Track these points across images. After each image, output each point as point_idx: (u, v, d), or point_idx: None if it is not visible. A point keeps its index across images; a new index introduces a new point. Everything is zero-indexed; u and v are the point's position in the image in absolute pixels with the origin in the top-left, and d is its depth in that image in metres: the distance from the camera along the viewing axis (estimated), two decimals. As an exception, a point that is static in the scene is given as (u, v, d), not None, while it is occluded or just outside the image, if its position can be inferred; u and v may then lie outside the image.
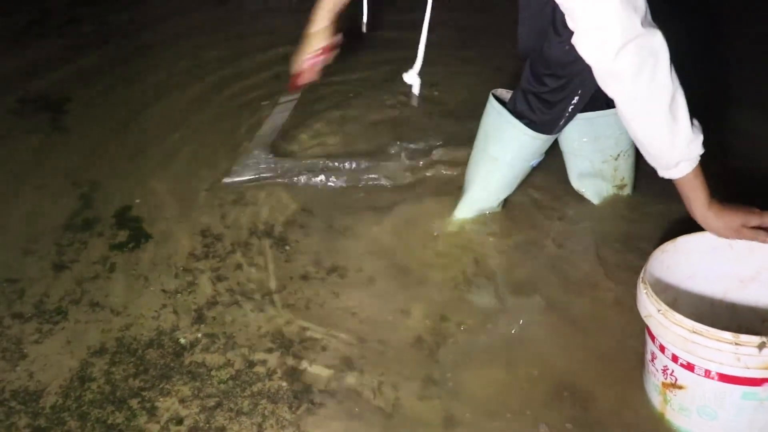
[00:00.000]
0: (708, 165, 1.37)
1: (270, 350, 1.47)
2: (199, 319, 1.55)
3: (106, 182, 2.00)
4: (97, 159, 2.11)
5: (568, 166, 1.87)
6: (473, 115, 1.79)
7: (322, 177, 1.97)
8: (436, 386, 1.39)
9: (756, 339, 1.13)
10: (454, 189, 1.88)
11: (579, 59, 1.47)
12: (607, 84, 1.37)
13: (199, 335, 1.51)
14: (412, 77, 1.65)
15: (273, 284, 1.64)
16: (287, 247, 1.75)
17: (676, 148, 1.35)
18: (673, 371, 1.24)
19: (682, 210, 1.74)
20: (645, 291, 1.24)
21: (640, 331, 1.33)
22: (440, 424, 1.32)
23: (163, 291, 1.62)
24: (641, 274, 1.29)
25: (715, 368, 1.17)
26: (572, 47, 1.42)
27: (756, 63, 2.50)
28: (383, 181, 1.98)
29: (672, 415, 1.29)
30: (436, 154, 2.08)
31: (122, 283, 1.65)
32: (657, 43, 1.30)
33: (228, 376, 1.41)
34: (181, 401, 1.36)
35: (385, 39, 2.57)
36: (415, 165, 2.04)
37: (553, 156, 1.84)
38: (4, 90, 2.46)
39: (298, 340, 1.49)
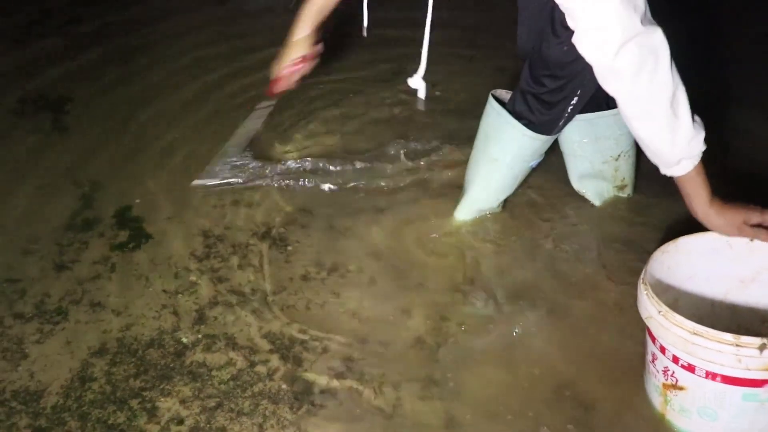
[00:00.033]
0: (708, 165, 1.37)
1: (271, 351, 1.47)
2: (200, 319, 1.55)
3: (106, 182, 2.00)
4: (97, 159, 2.11)
5: (568, 167, 1.87)
6: (474, 114, 1.79)
7: (302, 181, 1.96)
8: (437, 387, 1.39)
9: (757, 340, 1.13)
10: (455, 189, 1.88)
11: (577, 60, 1.48)
12: (607, 82, 1.37)
13: (200, 336, 1.51)
14: (417, 81, 1.66)
15: (274, 285, 1.64)
16: (289, 247, 1.75)
17: (677, 145, 1.35)
18: (673, 372, 1.24)
19: (683, 211, 1.74)
20: (645, 292, 1.24)
21: (641, 332, 1.33)
22: (441, 424, 1.32)
23: (164, 291, 1.62)
24: (642, 275, 1.29)
25: (715, 369, 1.17)
26: (570, 48, 1.42)
27: (756, 63, 2.50)
28: (371, 183, 1.97)
29: (672, 416, 1.29)
30: (436, 153, 2.08)
31: (123, 283, 1.65)
32: (657, 40, 1.30)
33: (229, 376, 1.41)
34: (182, 402, 1.36)
35: (385, 37, 2.57)
36: (415, 165, 2.04)
37: (554, 157, 1.84)
38: (4, 90, 2.47)
39: (298, 341, 1.49)
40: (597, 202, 1.86)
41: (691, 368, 1.20)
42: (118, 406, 1.36)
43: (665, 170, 1.41)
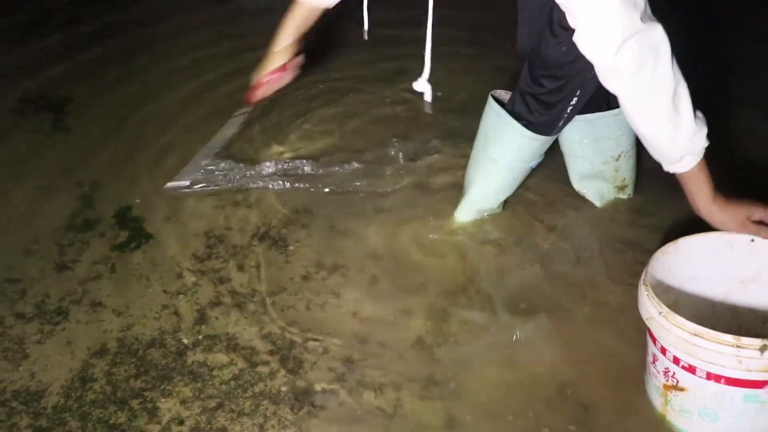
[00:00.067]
0: (709, 163, 1.37)
1: (271, 352, 1.47)
2: (201, 319, 1.55)
3: (106, 182, 2.00)
4: (97, 159, 2.11)
5: (569, 168, 1.87)
6: (474, 114, 1.79)
7: (302, 182, 1.96)
8: (438, 387, 1.39)
9: (758, 342, 1.13)
10: (454, 190, 1.88)
11: (576, 60, 1.48)
12: (608, 80, 1.38)
13: (201, 336, 1.51)
14: (422, 85, 1.66)
15: (274, 285, 1.64)
16: (290, 247, 1.75)
17: (679, 141, 1.35)
18: (674, 373, 1.24)
19: (684, 211, 1.74)
20: (646, 293, 1.24)
21: (642, 333, 1.33)
22: (442, 425, 1.32)
23: (165, 292, 1.62)
24: (642, 276, 1.29)
25: (716, 371, 1.18)
26: (569, 48, 1.43)
27: (756, 63, 2.50)
28: (371, 184, 1.97)
29: (673, 417, 1.29)
30: (436, 153, 2.08)
31: (124, 283, 1.65)
32: (657, 36, 1.30)
33: (230, 376, 1.41)
34: (183, 402, 1.36)
35: (384, 36, 2.57)
36: (415, 165, 2.04)
37: (555, 157, 1.84)
38: (4, 89, 2.47)
39: (299, 341, 1.49)
40: (597, 203, 1.86)
41: (691, 369, 1.20)
42: (118, 406, 1.36)
43: (668, 167, 1.41)
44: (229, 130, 2.02)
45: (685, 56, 1.37)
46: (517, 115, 1.65)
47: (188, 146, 2.13)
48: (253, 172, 1.99)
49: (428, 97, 1.66)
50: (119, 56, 2.72)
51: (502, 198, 1.81)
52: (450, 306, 1.58)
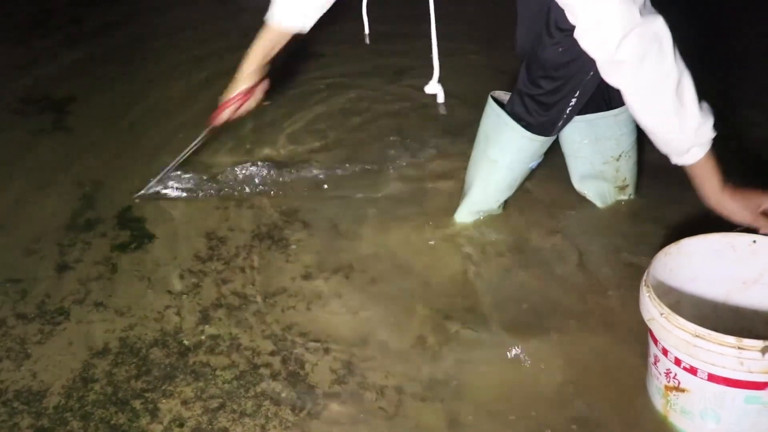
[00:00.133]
0: (715, 155, 1.37)
1: (273, 353, 1.47)
2: (204, 320, 1.55)
3: (107, 182, 2.00)
4: (99, 158, 2.11)
5: (569, 168, 1.87)
6: (474, 114, 1.80)
7: (303, 182, 1.96)
8: (439, 388, 1.39)
9: (759, 343, 1.13)
10: (455, 190, 1.88)
11: (573, 61, 1.48)
12: (611, 74, 1.37)
13: (203, 337, 1.51)
14: (433, 87, 1.66)
15: (276, 286, 1.64)
16: (292, 246, 1.76)
17: (685, 133, 1.35)
18: (675, 374, 1.24)
19: (685, 212, 1.75)
20: (647, 294, 1.24)
21: (643, 334, 1.33)
22: (444, 425, 1.32)
23: (168, 292, 1.62)
24: (644, 277, 1.29)
25: (717, 372, 1.18)
26: (566, 49, 1.43)
27: (756, 63, 2.51)
28: (371, 184, 1.97)
29: (675, 418, 1.29)
30: (437, 153, 2.08)
31: (126, 283, 1.65)
32: (658, 28, 1.30)
33: (232, 377, 1.41)
34: (184, 402, 1.36)
35: (384, 32, 2.57)
36: (415, 165, 2.04)
37: (555, 158, 1.84)
38: (6, 90, 2.47)
39: (301, 342, 1.49)
40: (598, 203, 1.86)
41: (693, 370, 1.20)
42: (120, 407, 1.36)
43: (676, 159, 1.40)
44: (187, 150, 1.97)
45: (685, 56, 1.37)
46: (516, 116, 1.65)
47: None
48: (250, 173, 1.99)
49: (441, 98, 1.66)
50: (120, 56, 2.72)
51: (502, 199, 1.81)
52: (450, 306, 1.58)
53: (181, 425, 1.32)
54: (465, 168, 1.83)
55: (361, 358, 1.46)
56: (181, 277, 1.66)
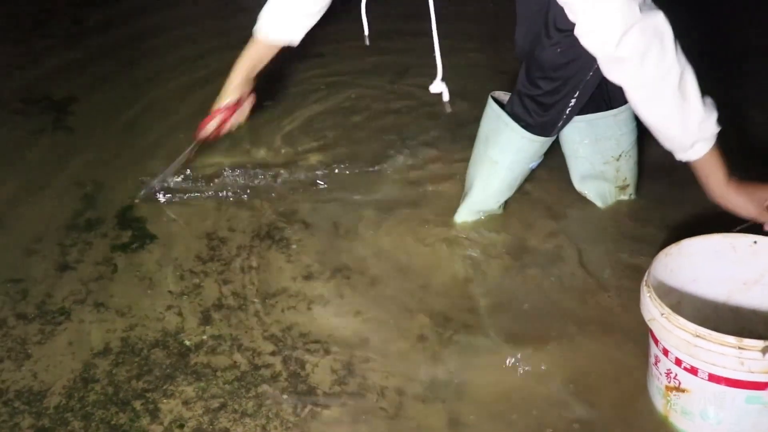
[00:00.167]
0: (720, 149, 1.37)
1: (274, 353, 1.47)
2: (205, 320, 1.55)
3: (108, 182, 2.00)
4: (99, 159, 2.11)
5: (570, 169, 1.87)
6: (475, 115, 1.80)
7: (303, 183, 1.96)
8: (440, 388, 1.39)
9: (760, 343, 1.13)
10: (455, 190, 1.88)
11: (572, 62, 1.49)
12: (612, 71, 1.37)
13: (205, 337, 1.51)
14: (438, 86, 1.65)
15: (277, 286, 1.64)
16: (293, 246, 1.76)
17: (689, 128, 1.35)
18: (676, 375, 1.24)
19: (686, 213, 1.75)
20: (648, 294, 1.25)
21: (644, 334, 1.33)
22: (445, 425, 1.32)
23: (169, 293, 1.62)
24: (645, 278, 1.29)
25: (718, 372, 1.18)
26: (564, 50, 1.43)
27: (756, 62, 2.51)
28: (372, 184, 1.96)
29: (675, 418, 1.29)
30: (437, 154, 2.08)
31: (127, 284, 1.65)
32: (659, 23, 1.30)
33: (233, 377, 1.41)
34: (185, 403, 1.36)
35: (385, 32, 2.57)
36: (415, 165, 2.04)
37: (555, 158, 1.84)
38: (7, 89, 2.47)
39: (302, 342, 1.49)
40: (599, 203, 1.86)
41: (693, 371, 1.21)
42: (120, 407, 1.36)
43: (680, 155, 1.40)
44: (176, 162, 1.97)
45: (690, 56, 1.37)
46: (516, 116, 1.65)
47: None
48: (250, 173, 1.99)
49: (446, 96, 1.66)
50: (121, 55, 2.72)
51: (503, 199, 1.81)
52: (451, 307, 1.58)
53: (182, 425, 1.32)
54: (465, 168, 1.83)
55: (361, 358, 1.46)
56: (182, 277, 1.66)
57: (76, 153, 2.13)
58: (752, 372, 1.15)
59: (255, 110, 1.83)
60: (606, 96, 1.71)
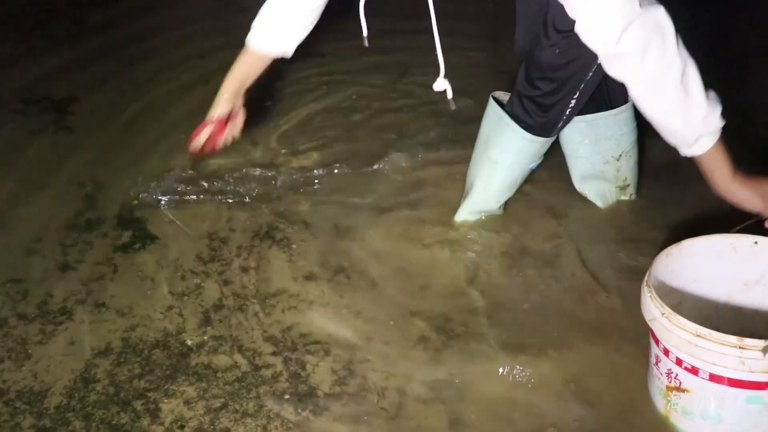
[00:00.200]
0: (725, 143, 1.37)
1: (275, 353, 1.47)
2: (206, 321, 1.55)
3: (109, 182, 2.00)
4: (100, 159, 2.11)
5: (570, 169, 1.87)
6: (475, 115, 1.80)
7: (303, 183, 1.96)
8: (441, 388, 1.39)
9: (760, 343, 1.13)
10: (455, 191, 1.88)
11: (571, 63, 1.48)
12: (614, 67, 1.37)
13: (206, 337, 1.51)
14: (441, 84, 1.64)
15: (278, 286, 1.64)
16: (293, 246, 1.76)
17: (692, 123, 1.34)
18: (677, 375, 1.24)
19: (686, 213, 1.75)
20: (649, 294, 1.25)
21: (645, 334, 1.33)
22: (446, 425, 1.32)
23: (170, 293, 1.62)
24: (645, 278, 1.29)
25: (719, 372, 1.18)
26: (563, 51, 1.43)
27: (756, 63, 2.51)
28: (372, 184, 1.96)
29: (676, 418, 1.29)
30: (437, 154, 2.08)
31: (128, 284, 1.65)
32: (660, 18, 1.30)
33: (234, 378, 1.41)
34: (186, 403, 1.36)
35: (385, 30, 2.57)
36: (415, 165, 2.04)
37: (555, 158, 1.84)
38: (7, 89, 2.47)
39: (302, 343, 1.49)
40: (599, 203, 1.86)
41: (694, 370, 1.21)
42: (121, 407, 1.36)
43: (685, 150, 1.39)
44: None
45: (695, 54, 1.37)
46: (515, 117, 1.65)
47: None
48: (250, 174, 1.99)
49: (450, 94, 1.65)
50: (121, 55, 2.72)
51: (503, 199, 1.81)
52: (451, 307, 1.58)
53: (183, 426, 1.32)
54: (466, 168, 1.83)
55: (362, 359, 1.46)
56: (183, 278, 1.66)
57: (76, 153, 2.13)
58: (753, 372, 1.15)
59: (248, 123, 1.79)
60: (606, 96, 1.71)
